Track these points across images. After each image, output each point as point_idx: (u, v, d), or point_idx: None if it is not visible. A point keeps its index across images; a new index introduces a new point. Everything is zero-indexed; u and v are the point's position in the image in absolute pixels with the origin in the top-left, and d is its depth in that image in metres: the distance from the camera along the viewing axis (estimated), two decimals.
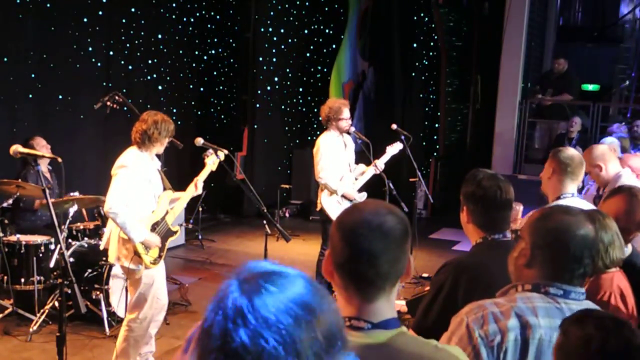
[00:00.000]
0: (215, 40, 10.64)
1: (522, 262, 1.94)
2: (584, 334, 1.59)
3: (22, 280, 5.39)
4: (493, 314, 1.84)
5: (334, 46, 11.71)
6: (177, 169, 8.00)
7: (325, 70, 11.74)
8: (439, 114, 11.91)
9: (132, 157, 4.22)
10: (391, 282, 1.47)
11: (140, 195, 4.24)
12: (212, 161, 4.62)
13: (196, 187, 4.57)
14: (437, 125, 12.00)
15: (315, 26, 11.77)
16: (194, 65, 10.23)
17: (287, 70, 11.32)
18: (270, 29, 10.78)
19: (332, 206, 5.88)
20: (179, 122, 9.84)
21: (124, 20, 8.63)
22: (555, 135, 9.84)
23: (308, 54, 11.75)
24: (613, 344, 1.56)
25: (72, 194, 5.77)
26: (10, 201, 5.55)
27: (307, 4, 11.56)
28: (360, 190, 6.11)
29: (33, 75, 7.45)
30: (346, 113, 5.92)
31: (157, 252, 4.32)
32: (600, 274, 2.62)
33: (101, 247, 4.62)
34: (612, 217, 2.83)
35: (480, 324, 1.83)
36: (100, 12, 8.25)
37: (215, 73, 10.74)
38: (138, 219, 4.23)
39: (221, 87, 10.88)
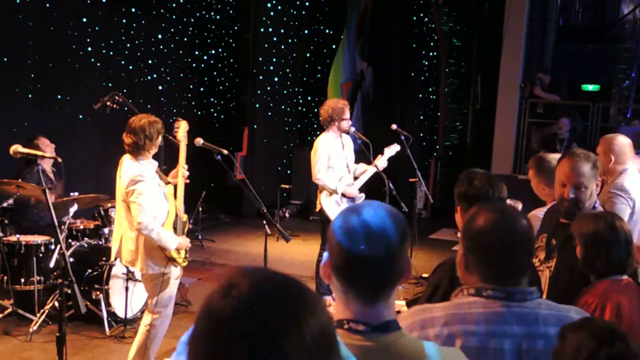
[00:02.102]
0: (215, 40, 10.64)
1: (462, 267, 1.88)
2: (577, 342, 1.56)
3: (22, 280, 5.39)
4: (423, 321, 1.77)
5: (333, 46, 11.71)
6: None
7: (325, 70, 11.74)
8: (438, 114, 11.91)
9: (136, 168, 4.12)
10: (390, 285, 1.46)
11: (156, 202, 4.18)
12: (183, 135, 4.47)
13: (183, 175, 4.41)
14: (436, 125, 12.01)
15: (315, 26, 11.77)
16: (194, 65, 10.24)
17: (287, 70, 11.32)
18: (270, 29, 10.78)
19: (331, 207, 5.89)
20: None
21: (124, 21, 8.64)
22: (545, 136, 9.84)
23: (308, 54, 11.76)
24: (602, 356, 1.52)
25: (71, 194, 5.77)
26: (11, 201, 5.55)
27: (307, 4, 11.56)
28: (360, 191, 6.11)
29: (33, 75, 7.46)
30: (348, 113, 5.95)
31: (185, 250, 4.35)
32: (599, 280, 2.55)
33: (112, 258, 4.55)
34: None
35: (408, 330, 1.76)
36: (100, 12, 8.25)
37: (215, 73, 10.74)
38: (164, 226, 4.20)
39: (221, 87, 10.88)
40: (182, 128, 4.53)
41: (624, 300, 2.44)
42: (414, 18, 11.68)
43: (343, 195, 5.96)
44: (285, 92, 11.33)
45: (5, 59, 7.09)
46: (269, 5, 10.77)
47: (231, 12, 10.82)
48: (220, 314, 0.97)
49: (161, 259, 4.17)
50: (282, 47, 11.07)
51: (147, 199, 4.06)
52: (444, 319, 1.76)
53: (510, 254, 1.77)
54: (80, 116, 8.01)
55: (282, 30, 11.03)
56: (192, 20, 10.07)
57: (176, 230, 4.33)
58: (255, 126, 10.73)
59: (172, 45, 9.59)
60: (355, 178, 6.16)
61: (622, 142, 4.11)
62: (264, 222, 4.41)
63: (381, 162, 6.12)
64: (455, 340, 1.74)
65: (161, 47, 9.38)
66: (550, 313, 1.78)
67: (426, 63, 11.87)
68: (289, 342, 0.94)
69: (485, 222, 1.79)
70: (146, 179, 4.10)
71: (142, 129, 4.10)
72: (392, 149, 6.28)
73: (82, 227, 5.92)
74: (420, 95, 11.95)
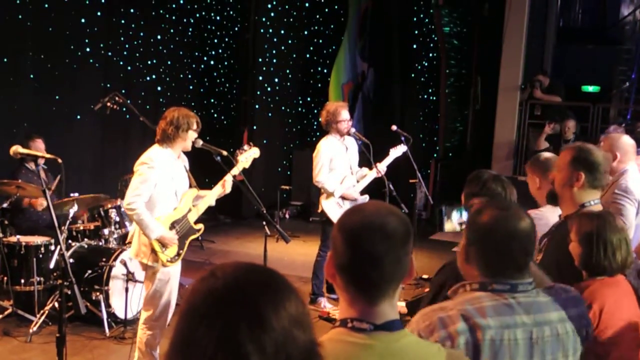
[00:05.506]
0: (215, 41, 10.64)
1: (462, 257, 1.93)
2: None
3: (22, 281, 5.39)
4: (441, 320, 1.78)
5: (333, 47, 11.71)
6: None
7: (325, 71, 11.74)
8: (438, 115, 11.90)
9: (153, 154, 4.17)
10: (394, 284, 1.47)
11: (161, 192, 4.20)
12: (245, 157, 4.58)
13: (224, 186, 4.48)
14: (437, 126, 11.99)
15: (315, 27, 11.76)
16: (193, 66, 10.23)
17: (287, 71, 11.32)
18: (270, 30, 10.77)
19: (332, 208, 5.87)
20: None
21: (122, 21, 8.63)
22: (546, 137, 9.81)
23: (308, 55, 11.75)
24: None
25: (71, 194, 5.75)
26: (8, 202, 5.54)
27: (307, 4, 11.56)
28: (362, 193, 6.09)
29: (32, 76, 7.46)
30: (344, 115, 5.91)
31: (175, 250, 4.28)
32: (591, 278, 2.57)
33: (127, 241, 4.63)
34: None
35: (430, 331, 1.77)
36: (99, 13, 8.25)
37: (215, 74, 10.74)
38: (160, 216, 4.21)
39: (221, 88, 10.88)
40: (248, 152, 4.60)
41: (608, 300, 2.50)
42: (414, 19, 11.68)
43: (344, 197, 5.94)
44: (285, 93, 11.33)
45: (4, 59, 7.09)
46: (269, 6, 10.77)
47: (231, 13, 10.81)
48: (207, 290, 1.03)
49: (148, 248, 4.18)
50: (282, 48, 11.06)
51: (143, 182, 4.10)
52: (460, 315, 1.78)
53: (511, 250, 1.82)
54: (79, 117, 8.00)
55: (282, 31, 11.02)
56: (192, 21, 10.06)
57: (175, 231, 4.32)
58: (255, 127, 10.72)
59: (172, 46, 9.58)
60: (356, 181, 6.14)
61: (627, 141, 4.13)
62: (264, 223, 4.41)
63: (382, 165, 6.09)
64: (477, 334, 1.76)
65: (160, 47, 9.37)
66: (548, 299, 1.86)
67: (426, 64, 11.87)
68: (271, 314, 1.00)
69: (490, 217, 1.85)
70: (155, 166, 4.13)
71: (172, 118, 4.19)
72: (399, 150, 6.24)
73: (82, 228, 5.91)
74: (421, 96, 11.94)
